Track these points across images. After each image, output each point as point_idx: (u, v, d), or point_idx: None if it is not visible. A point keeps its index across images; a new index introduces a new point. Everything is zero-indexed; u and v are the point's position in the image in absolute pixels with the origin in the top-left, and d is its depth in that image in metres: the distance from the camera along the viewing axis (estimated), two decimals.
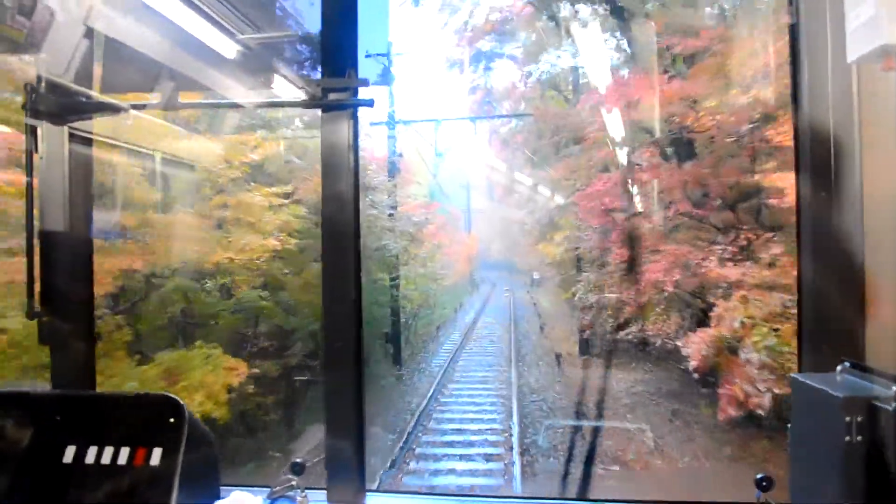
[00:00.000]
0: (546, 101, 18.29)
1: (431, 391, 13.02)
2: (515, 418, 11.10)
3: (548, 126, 17.68)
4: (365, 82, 2.21)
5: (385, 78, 16.54)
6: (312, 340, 11.28)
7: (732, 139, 10.21)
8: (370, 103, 2.23)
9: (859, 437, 1.41)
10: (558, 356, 15.60)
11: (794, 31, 2.06)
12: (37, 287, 2.34)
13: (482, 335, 21.31)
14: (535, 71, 18.23)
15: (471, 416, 11.42)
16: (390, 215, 16.59)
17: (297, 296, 11.42)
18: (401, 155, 17.77)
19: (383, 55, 16.60)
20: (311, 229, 11.50)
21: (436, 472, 8.78)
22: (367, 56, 16.31)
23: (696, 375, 9.81)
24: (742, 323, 8.56)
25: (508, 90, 20.12)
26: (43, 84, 2.32)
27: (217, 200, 10.47)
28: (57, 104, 2.35)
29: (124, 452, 1.75)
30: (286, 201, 11.21)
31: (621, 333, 13.36)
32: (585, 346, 15.89)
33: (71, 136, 2.40)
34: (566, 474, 8.96)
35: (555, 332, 19.67)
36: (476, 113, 21.28)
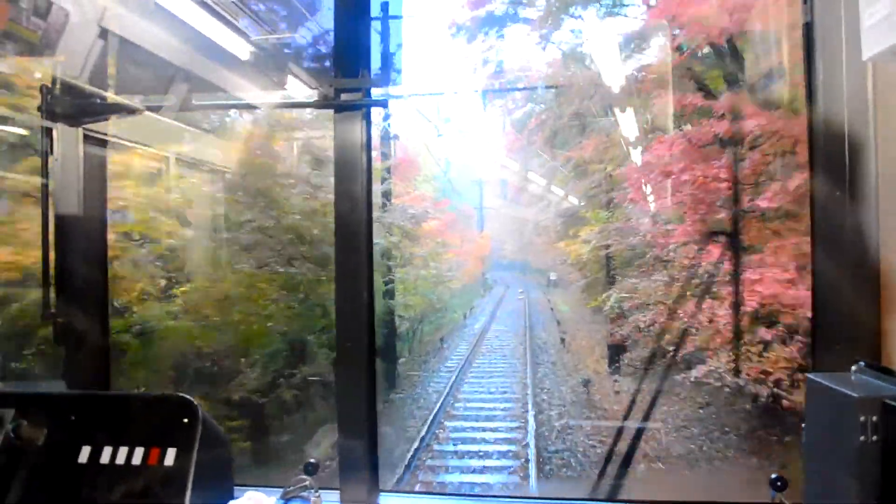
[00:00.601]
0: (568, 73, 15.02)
1: (423, 433, 9.66)
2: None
3: (571, 101, 14.87)
4: (378, 82, 2.22)
5: (387, 73, 14.80)
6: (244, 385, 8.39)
7: None
8: (384, 103, 2.24)
9: (874, 437, 1.40)
10: (587, 382, 12.30)
11: (808, 28, 2.05)
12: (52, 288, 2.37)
13: (493, 347, 18.11)
14: (556, 37, 14.81)
15: (471, 477, 8.35)
16: (383, 206, 13.95)
17: (209, 312, 8.47)
18: (396, 137, 15.64)
19: (377, 16, 13.71)
20: (244, 211, 9.02)
21: None
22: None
23: None
24: None
25: (525, 66, 16.83)
26: (58, 85, 2.34)
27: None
28: (72, 106, 2.37)
29: (139, 452, 1.77)
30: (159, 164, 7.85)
31: (694, 373, 8.76)
32: (617, 368, 12.74)
33: (85, 137, 2.41)
34: None
35: (577, 343, 16.56)
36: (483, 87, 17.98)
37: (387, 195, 14.48)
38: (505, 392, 12.64)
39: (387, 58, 13.94)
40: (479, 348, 17.78)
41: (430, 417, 10.43)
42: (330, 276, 10.14)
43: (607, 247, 13.53)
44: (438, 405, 11.23)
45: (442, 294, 19.30)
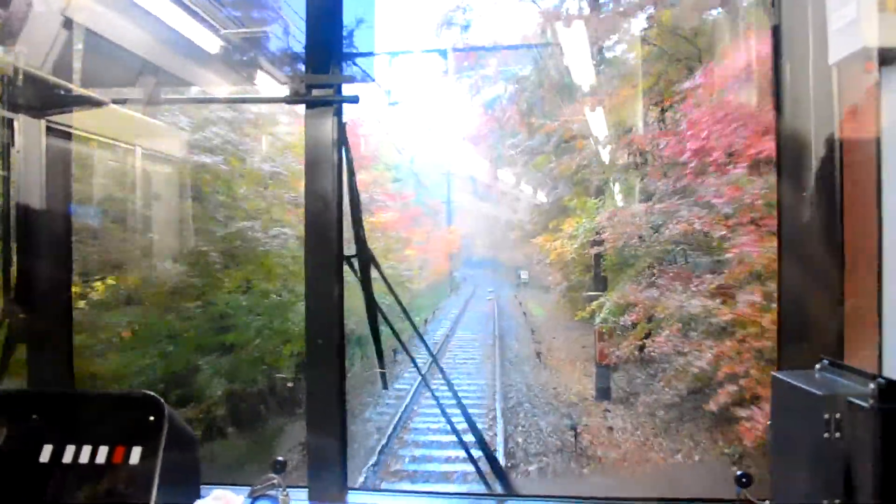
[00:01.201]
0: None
1: None
2: None
3: (553, 66, 12.63)
4: (350, 78, 2.20)
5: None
6: None
7: None
8: (355, 100, 2.22)
9: (838, 434, 1.43)
10: (573, 427, 8.78)
11: (775, 32, 2.08)
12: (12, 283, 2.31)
13: (456, 361, 14.89)
14: None
15: None
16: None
17: None
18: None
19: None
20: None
21: None
22: None
23: None
24: None
25: (497, 41, 14.70)
26: (20, 76, 2.28)
27: None
28: (34, 97, 2.32)
29: (103, 451, 1.74)
30: None
31: None
32: (607, 395, 10.31)
33: (48, 129, 2.36)
34: None
35: (555, 357, 14.20)
36: (450, 65, 15.84)
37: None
38: (466, 432, 8.35)
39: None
40: (439, 363, 13.54)
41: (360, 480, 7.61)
42: (214, 282, 8.52)
43: (600, 243, 10.72)
44: (374, 458, 8.40)
45: (401, 296, 16.97)
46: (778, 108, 2.09)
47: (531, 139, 15.49)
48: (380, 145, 17.10)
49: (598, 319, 10.18)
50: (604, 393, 10.49)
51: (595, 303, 10.52)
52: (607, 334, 10.24)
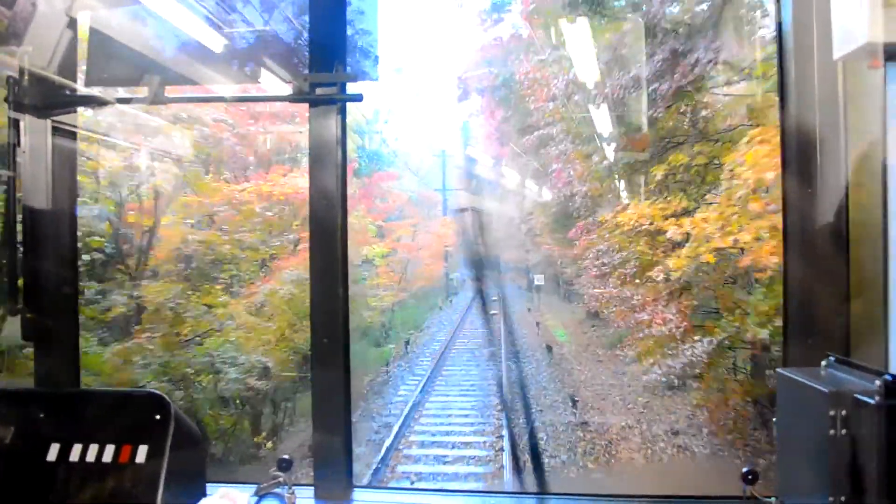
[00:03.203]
0: None
1: None
2: None
3: None
4: (353, 77, 2.21)
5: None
6: None
7: None
8: (359, 98, 2.23)
9: (843, 431, 1.42)
10: None
11: (780, 28, 2.08)
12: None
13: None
14: None
15: None
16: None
17: None
18: None
19: None
20: None
21: None
22: None
23: None
24: None
25: None
26: (26, 76, 2.29)
27: None
28: (40, 97, 2.32)
29: (109, 450, 1.74)
30: None
31: None
32: None
33: (54, 129, 2.37)
34: None
35: (622, 456, 8.08)
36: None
37: None
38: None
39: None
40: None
41: None
42: None
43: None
44: None
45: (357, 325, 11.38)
46: (783, 104, 2.08)
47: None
48: None
49: None
50: None
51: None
52: None
